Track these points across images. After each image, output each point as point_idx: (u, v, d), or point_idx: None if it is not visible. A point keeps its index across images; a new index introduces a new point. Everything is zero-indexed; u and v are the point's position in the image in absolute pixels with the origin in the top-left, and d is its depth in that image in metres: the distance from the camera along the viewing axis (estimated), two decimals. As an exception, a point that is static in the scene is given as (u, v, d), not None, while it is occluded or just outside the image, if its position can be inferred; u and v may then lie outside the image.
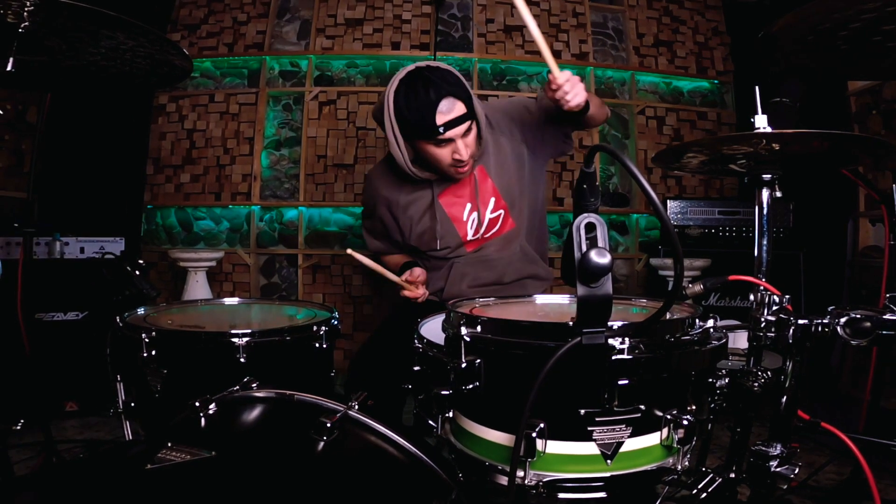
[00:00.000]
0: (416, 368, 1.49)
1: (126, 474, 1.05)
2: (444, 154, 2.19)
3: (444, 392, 1.30)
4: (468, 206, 2.40)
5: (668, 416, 1.23)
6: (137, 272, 2.18)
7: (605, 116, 2.41)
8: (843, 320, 1.30)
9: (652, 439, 1.24)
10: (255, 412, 1.29)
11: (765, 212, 1.57)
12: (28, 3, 1.32)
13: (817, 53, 1.58)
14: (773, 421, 1.42)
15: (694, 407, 1.29)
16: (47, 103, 4.10)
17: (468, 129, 2.16)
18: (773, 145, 1.45)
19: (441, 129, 2.09)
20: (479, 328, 1.29)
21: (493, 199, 2.41)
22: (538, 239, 2.61)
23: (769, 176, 1.57)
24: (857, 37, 1.45)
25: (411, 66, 2.17)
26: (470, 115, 2.15)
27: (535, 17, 4.95)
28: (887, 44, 1.46)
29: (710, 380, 1.39)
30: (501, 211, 2.43)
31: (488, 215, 2.42)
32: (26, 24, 1.39)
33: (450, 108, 2.09)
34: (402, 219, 2.45)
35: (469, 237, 2.43)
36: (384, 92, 2.20)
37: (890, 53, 1.52)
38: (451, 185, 2.40)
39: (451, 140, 2.14)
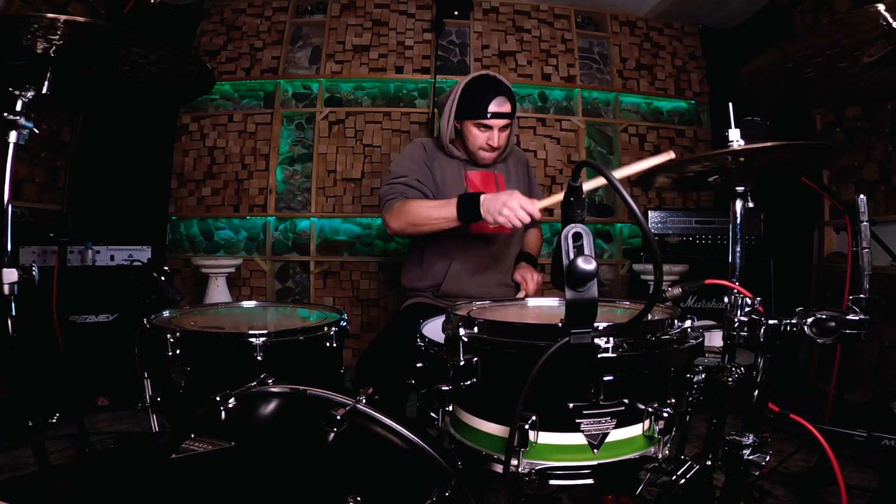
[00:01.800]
0: (419, 365, 1.49)
1: (153, 463, 1.05)
2: (481, 137, 2.45)
3: (444, 387, 1.30)
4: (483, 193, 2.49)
5: (650, 409, 1.23)
6: (163, 278, 2.18)
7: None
8: (809, 320, 1.30)
9: (635, 430, 1.24)
10: (271, 406, 1.29)
11: (738, 221, 1.58)
12: (59, 27, 1.33)
13: (786, 87, 1.59)
14: (746, 413, 1.42)
15: (673, 400, 1.29)
16: (80, 123, 4.12)
17: (506, 127, 2.46)
18: (741, 158, 1.46)
19: (489, 115, 2.38)
20: (475, 329, 1.29)
21: None
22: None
23: (742, 188, 1.58)
24: (822, 69, 1.46)
25: (483, 71, 2.50)
26: (511, 116, 2.44)
27: (527, 42, 5.00)
28: (849, 70, 1.47)
29: (688, 375, 1.39)
30: None
31: None
32: (57, 42, 1.39)
33: (501, 105, 2.39)
34: (435, 172, 2.54)
35: None
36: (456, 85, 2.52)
37: (851, 81, 1.53)
38: (477, 171, 2.58)
39: (490, 128, 2.42)
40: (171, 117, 4.81)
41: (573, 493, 2.19)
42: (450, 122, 2.48)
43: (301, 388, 1.31)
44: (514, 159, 2.71)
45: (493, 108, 2.37)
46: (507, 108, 2.40)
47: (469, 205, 2.14)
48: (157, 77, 1.64)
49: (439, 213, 2.23)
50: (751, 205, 1.59)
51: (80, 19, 1.32)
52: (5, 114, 1.48)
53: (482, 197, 2.11)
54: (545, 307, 1.87)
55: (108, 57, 1.52)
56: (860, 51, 1.35)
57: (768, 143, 1.38)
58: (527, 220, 2.02)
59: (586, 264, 1.03)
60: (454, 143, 2.57)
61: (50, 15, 1.29)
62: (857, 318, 1.28)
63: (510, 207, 2.01)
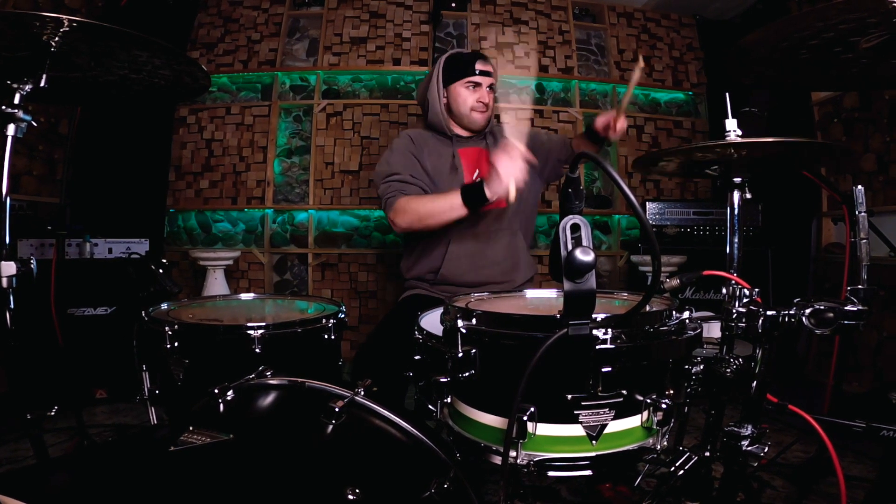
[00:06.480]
0: (417, 358, 1.49)
1: (151, 456, 1.04)
2: (471, 97, 2.51)
3: (442, 379, 1.29)
4: (476, 171, 2.56)
5: (648, 401, 1.22)
6: (161, 270, 2.17)
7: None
8: (807, 311, 1.30)
9: (633, 421, 1.24)
10: (270, 398, 1.29)
11: (736, 212, 1.57)
12: (65, 25, 1.32)
13: (782, 65, 1.58)
14: (745, 404, 1.42)
15: (672, 391, 1.29)
16: (77, 116, 4.12)
17: (491, 88, 2.55)
18: (742, 151, 1.45)
19: (477, 71, 2.49)
20: (474, 321, 1.28)
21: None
22: (524, 233, 2.66)
23: (739, 179, 1.57)
24: (818, 51, 1.45)
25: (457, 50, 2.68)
26: (495, 77, 2.56)
27: (524, 34, 4.98)
28: (843, 56, 1.46)
29: (687, 366, 1.39)
30: None
31: None
32: (58, 38, 1.38)
33: (485, 65, 2.53)
34: (425, 162, 2.50)
35: None
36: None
37: (847, 66, 1.52)
38: (467, 147, 2.59)
39: (479, 85, 2.51)
40: (169, 110, 4.79)
41: (571, 485, 2.20)
42: (439, 92, 2.55)
43: (299, 380, 1.31)
44: (502, 138, 2.67)
45: (479, 66, 2.50)
46: (490, 68, 2.54)
47: (473, 192, 2.11)
48: (153, 73, 1.63)
49: (445, 201, 2.21)
50: (748, 196, 1.58)
51: (79, 19, 1.31)
52: (3, 107, 1.47)
53: (485, 185, 2.06)
54: (543, 299, 1.86)
55: (106, 55, 1.51)
56: (859, 36, 1.34)
57: (772, 139, 1.38)
58: (523, 165, 1.92)
59: (584, 255, 1.02)
60: (445, 115, 2.56)
61: (51, 14, 1.28)
62: (855, 308, 1.28)
63: (508, 170, 1.92)
